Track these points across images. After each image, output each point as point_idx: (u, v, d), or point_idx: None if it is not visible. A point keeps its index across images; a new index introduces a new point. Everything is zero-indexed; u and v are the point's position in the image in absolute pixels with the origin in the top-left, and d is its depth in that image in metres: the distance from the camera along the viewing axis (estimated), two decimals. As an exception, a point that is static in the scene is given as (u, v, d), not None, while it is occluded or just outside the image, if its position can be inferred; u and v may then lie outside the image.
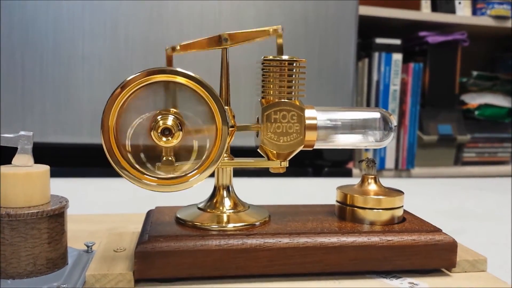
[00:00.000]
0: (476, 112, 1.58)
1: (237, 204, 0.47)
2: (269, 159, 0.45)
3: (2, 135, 0.41)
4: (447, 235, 0.44)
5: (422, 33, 1.49)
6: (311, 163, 1.31)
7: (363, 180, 0.49)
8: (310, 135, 0.45)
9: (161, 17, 1.15)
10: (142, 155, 0.41)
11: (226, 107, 0.44)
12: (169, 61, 0.46)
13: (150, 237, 0.41)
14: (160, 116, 0.40)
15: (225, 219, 0.45)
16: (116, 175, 0.41)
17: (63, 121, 1.12)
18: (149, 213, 0.49)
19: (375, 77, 1.45)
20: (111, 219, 0.62)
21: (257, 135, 0.46)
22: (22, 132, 0.42)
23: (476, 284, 0.42)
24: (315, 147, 0.46)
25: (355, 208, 0.47)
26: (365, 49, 1.47)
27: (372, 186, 0.48)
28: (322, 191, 1.01)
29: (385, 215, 0.46)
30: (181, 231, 0.42)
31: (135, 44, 1.14)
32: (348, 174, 1.32)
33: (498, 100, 1.61)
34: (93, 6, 1.11)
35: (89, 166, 1.14)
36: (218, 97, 0.41)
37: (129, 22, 1.13)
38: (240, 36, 0.45)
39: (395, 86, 1.46)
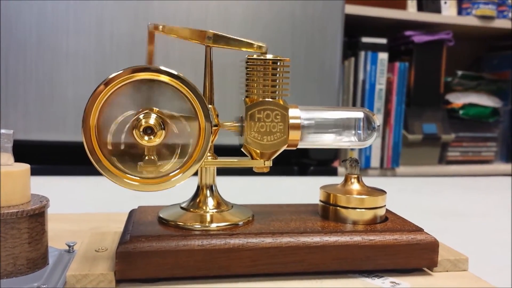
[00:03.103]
0: (461, 112, 1.59)
1: (221, 204, 0.47)
2: (252, 158, 0.45)
3: (-19, 133, 0.40)
4: (429, 234, 0.44)
5: (408, 33, 1.50)
6: (297, 162, 1.31)
7: (346, 180, 0.49)
8: (293, 135, 0.45)
9: (146, 14, 1.14)
10: (124, 154, 0.41)
11: (209, 105, 0.44)
12: (151, 38, 0.45)
13: (132, 237, 0.41)
14: (142, 115, 0.40)
15: (208, 218, 0.45)
16: (100, 173, 0.41)
17: (46, 118, 1.11)
18: (131, 213, 0.49)
19: (361, 76, 1.46)
20: (94, 218, 0.61)
21: (241, 134, 0.46)
22: (2, 130, 0.41)
23: (457, 284, 0.42)
24: (298, 147, 0.46)
25: (338, 208, 0.47)
26: (351, 48, 1.47)
27: (355, 186, 0.48)
28: (307, 189, 1.02)
29: (368, 215, 0.46)
30: (164, 231, 0.42)
31: (120, 41, 1.13)
32: (333, 172, 1.32)
33: (482, 100, 1.63)
34: (77, 2, 1.10)
35: (73, 164, 1.13)
36: (201, 96, 0.41)
37: (114, 19, 1.12)
38: (224, 39, 0.45)
39: (380, 85, 1.46)
